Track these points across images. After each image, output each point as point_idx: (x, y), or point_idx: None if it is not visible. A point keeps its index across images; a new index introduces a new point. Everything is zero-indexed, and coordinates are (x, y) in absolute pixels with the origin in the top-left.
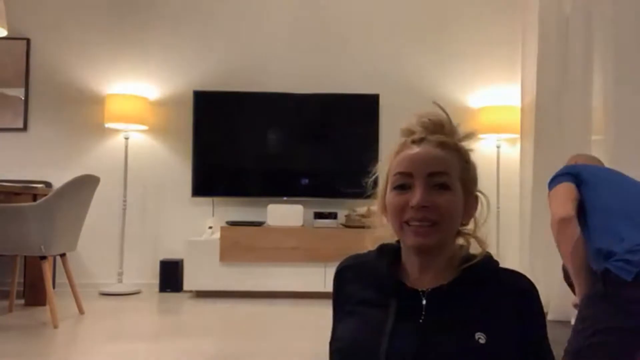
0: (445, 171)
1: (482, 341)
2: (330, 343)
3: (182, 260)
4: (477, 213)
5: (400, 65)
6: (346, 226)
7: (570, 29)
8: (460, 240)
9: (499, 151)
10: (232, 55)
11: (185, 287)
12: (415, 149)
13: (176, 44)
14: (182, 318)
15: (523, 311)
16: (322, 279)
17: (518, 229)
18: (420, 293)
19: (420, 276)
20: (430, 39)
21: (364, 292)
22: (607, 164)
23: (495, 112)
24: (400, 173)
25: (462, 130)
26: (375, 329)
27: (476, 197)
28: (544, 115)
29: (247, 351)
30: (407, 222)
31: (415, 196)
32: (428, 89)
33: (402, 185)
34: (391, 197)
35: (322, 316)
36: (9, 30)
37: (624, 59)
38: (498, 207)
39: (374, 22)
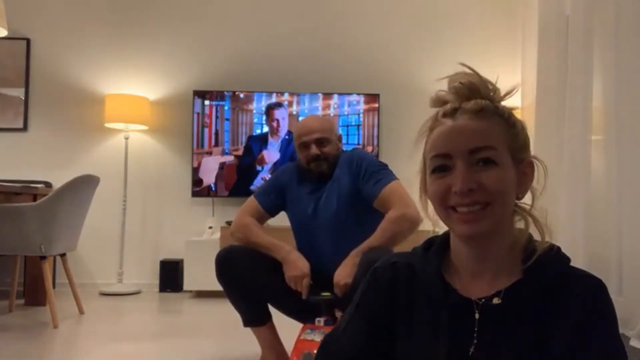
0: (489, 144)
1: None
2: (330, 342)
3: (182, 260)
4: (535, 182)
5: (400, 65)
6: None
7: (570, 29)
8: (520, 223)
9: None
10: (231, 55)
11: (185, 287)
12: (450, 123)
13: (176, 44)
14: (182, 318)
15: (587, 326)
16: None
17: None
18: (474, 303)
19: (474, 273)
20: (430, 39)
21: (409, 305)
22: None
23: None
24: (437, 155)
25: (499, 88)
26: None
27: (530, 164)
28: (544, 115)
29: (247, 351)
30: (453, 208)
31: (458, 180)
32: (428, 89)
33: (442, 167)
34: (431, 182)
35: None
36: (9, 30)
37: (624, 59)
38: None
39: (375, 22)
